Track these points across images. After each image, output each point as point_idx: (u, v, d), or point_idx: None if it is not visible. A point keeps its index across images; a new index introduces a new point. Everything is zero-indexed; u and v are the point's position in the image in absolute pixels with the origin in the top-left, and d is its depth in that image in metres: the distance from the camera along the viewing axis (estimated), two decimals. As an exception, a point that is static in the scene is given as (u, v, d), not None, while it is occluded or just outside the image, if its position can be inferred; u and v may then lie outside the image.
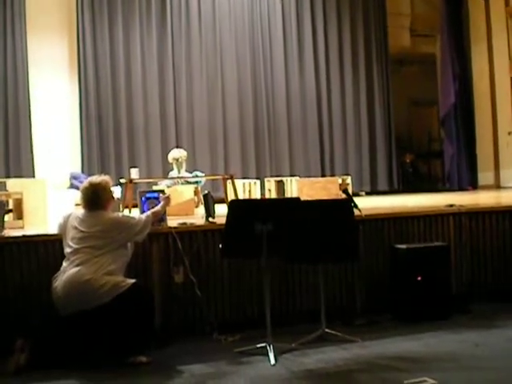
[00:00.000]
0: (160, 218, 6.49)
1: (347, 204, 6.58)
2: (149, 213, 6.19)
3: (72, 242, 5.75)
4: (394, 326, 6.67)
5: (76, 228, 5.78)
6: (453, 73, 15.74)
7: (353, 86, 15.72)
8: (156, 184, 10.88)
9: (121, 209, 8.88)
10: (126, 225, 5.92)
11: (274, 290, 6.70)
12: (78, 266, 5.60)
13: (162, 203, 6.44)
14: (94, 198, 5.88)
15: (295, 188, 12.13)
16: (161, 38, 14.20)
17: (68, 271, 5.61)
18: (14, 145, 12.99)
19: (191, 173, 11.25)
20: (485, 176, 15.80)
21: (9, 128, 12.99)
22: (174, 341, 6.31)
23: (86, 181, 6.11)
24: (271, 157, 14.92)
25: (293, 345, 6.01)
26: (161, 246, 6.58)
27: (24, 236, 6.36)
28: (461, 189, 15.40)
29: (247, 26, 14.89)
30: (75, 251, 5.69)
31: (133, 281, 5.65)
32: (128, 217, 6.27)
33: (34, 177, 12.63)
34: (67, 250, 5.78)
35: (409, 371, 5.19)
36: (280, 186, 12.41)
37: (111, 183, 6.15)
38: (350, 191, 8.80)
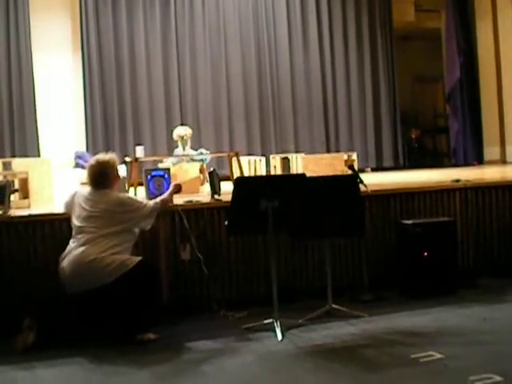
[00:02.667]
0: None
1: (353, 180, 6.58)
2: (158, 200, 6.11)
3: (77, 221, 5.76)
4: (401, 302, 6.69)
5: (81, 206, 5.79)
6: (458, 48, 15.67)
7: (357, 62, 15.65)
8: (161, 162, 10.87)
9: (126, 187, 8.88)
10: (131, 206, 5.86)
11: (281, 266, 6.72)
12: (83, 245, 5.61)
13: (170, 189, 6.38)
14: (101, 176, 5.85)
15: (300, 165, 12.12)
16: (164, 15, 14.14)
17: (74, 251, 5.62)
18: (19, 125, 13.00)
19: (196, 150, 11.23)
20: (490, 151, 15.75)
21: (13, 108, 13.00)
22: (182, 318, 6.33)
23: (93, 158, 6.06)
24: (276, 133, 14.89)
25: (300, 321, 6.02)
26: (167, 223, 6.59)
27: (30, 215, 6.38)
28: (466, 164, 15.38)
29: (251, 4, 14.81)
30: (80, 230, 5.70)
31: (139, 258, 5.66)
32: (134, 199, 6.17)
33: (39, 156, 12.64)
34: (73, 228, 5.79)
35: (416, 346, 5.20)
36: (285, 162, 12.39)
37: (118, 161, 6.13)
38: (356, 167, 8.76)
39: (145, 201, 6.11)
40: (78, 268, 5.55)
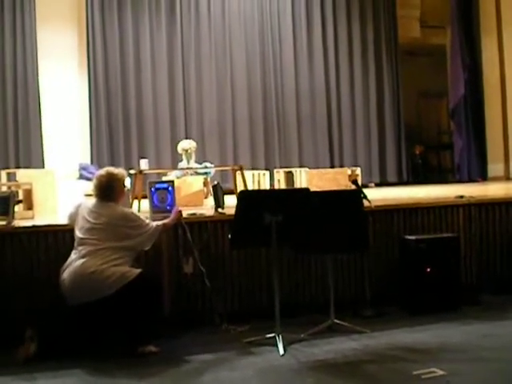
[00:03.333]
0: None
1: (357, 194, 6.58)
2: (160, 223, 6.07)
3: (80, 233, 5.76)
4: (403, 317, 6.66)
5: (85, 218, 5.79)
6: (462, 64, 15.70)
7: (362, 77, 15.71)
8: (165, 175, 10.89)
9: (130, 200, 8.88)
10: (134, 222, 5.83)
11: (284, 280, 6.71)
12: (83, 257, 5.61)
13: (173, 216, 6.33)
14: (108, 188, 5.85)
15: (304, 179, 12.13)
16: (170, 27, 14.22)
17: (74, 263, 5.62)
18: (24, 136, 13.05)
19: (200, 164, 11.26)
20: (494, 167, 15.75)
21: (18, 118, 13.05)
22: (183, 331, 6.32)
23: (103, 169, 6.07)
24: (280, 148, 14.93)
25: (302, 335, 6.01)
26: (170, 236, 6.59)
27: (34, 226, 6.38)
28: (470, 180, 15.38)
29: (256, 17, 14.90)
30: (82, 242, 5.70)
31: (139, 270, 5.65)
32: (138, 216, 6.08)
33: (43, 167, 12.66)
34: (75, 240, 5.79)
35: (418, 362, 5.18)
36: (289, 176, 12.41)
37: (126, 177, 6.14)
38: (360, 182, 8.76)
39: (147, 220, 6.07)
40: (78, 280, 5.54)
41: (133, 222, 5.84)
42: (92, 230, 5.70)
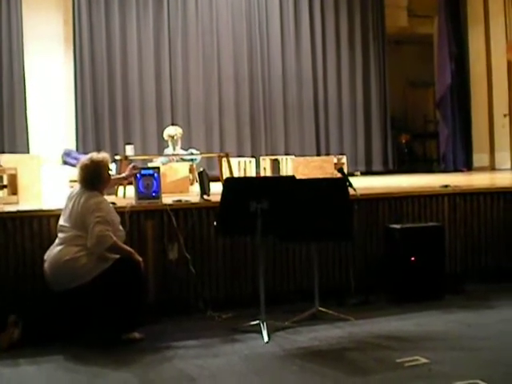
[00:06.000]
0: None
1: (342, 183, 6.57)
2: (121, 245, 5.66)
3: (61, 219, 5.72)
4: (388, 306, 6.70)
5: (66, 205, 5.74)
6: (449, 54, 15.73)
7: (349, 65, 15.70)
8: (151, 161, 10.87)
9: (115, 186, 8.83)
10: (99, 213, 5.52)
11: (268, 267, 6.72)
12: (60, 244, 5.59)
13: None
14: (95, 176, 5.72)
15: (290, 167, 12.13)
16: (157, 14, 14.13)
17: (53, 250, 5.61)
18: (9, 120, 12.96)
19: (186, 150, 11.23)
20: (480, 158, 15.81)
21: (3, 103, 12.96)
22: (168, 318, 6.32)
23: (87, 158, 5.85)
24: (266, 135, 14.91)
25: (286, 323, 6.03)
26: (155, 222, 6.57)
27: (18, 211, 6.34)
28: (456, 170, 15.42)
29: (244, 6, 14.82)
30: (60, 229, 5.67)
31: (116, 256, 5.55)
32: (105, 215, 5.60)
33: (28, 152, 12.59)
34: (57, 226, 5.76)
35: (401, 350, 5.21)
36: (275, 164, 12.40)
37: (110, 161, 6.05)
38: (345, 171, 8.76)
39: (107, 229, 5.55)
40: (55, 267, 5.53)
41: (99, 212, 5.55)
42: (69, 217, 5.64)
